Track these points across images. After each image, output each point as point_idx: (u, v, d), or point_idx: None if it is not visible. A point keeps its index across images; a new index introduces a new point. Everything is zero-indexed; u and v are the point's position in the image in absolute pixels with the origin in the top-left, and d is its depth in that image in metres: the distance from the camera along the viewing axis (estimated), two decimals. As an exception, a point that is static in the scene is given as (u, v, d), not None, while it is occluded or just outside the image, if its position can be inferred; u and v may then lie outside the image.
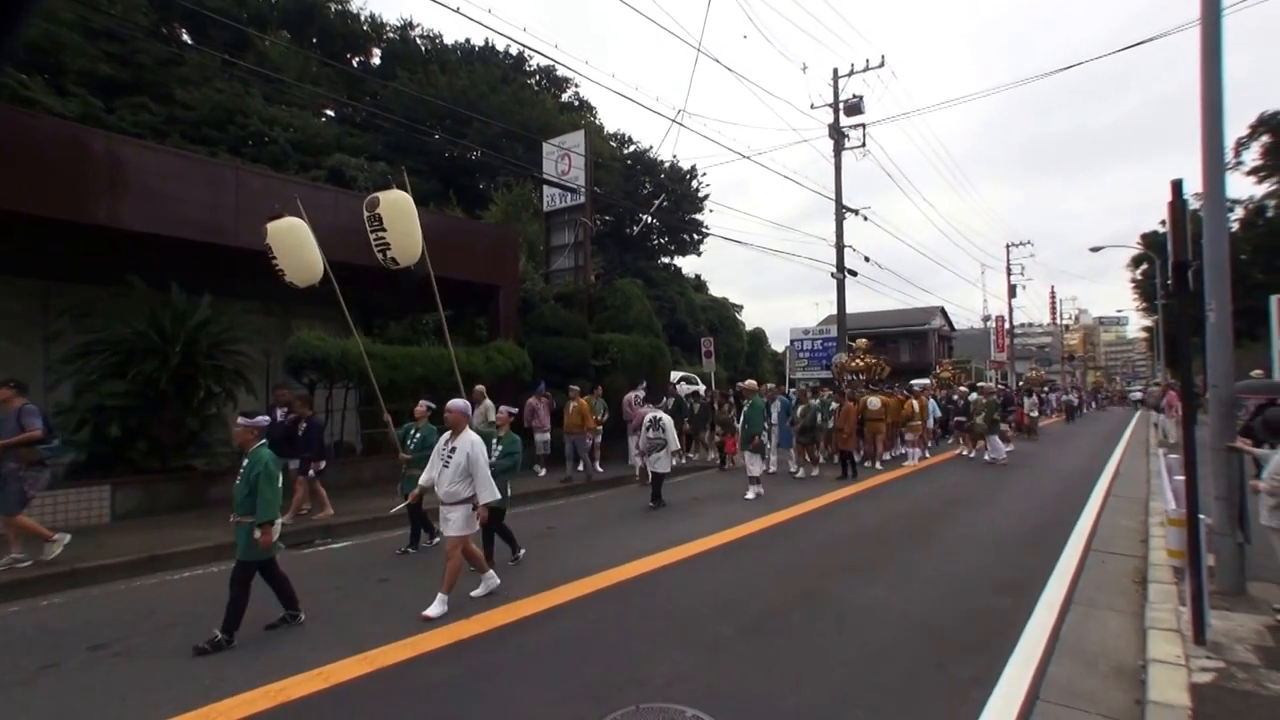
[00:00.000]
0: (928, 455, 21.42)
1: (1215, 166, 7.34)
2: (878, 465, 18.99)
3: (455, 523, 7.16)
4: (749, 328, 49.82)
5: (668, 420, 13.29)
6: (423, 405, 10.33)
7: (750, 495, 13.62)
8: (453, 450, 7.29)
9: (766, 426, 15.68)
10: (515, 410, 9.52)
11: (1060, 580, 7.96)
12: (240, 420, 6.53)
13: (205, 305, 12.54)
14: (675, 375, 22.08)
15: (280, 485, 6.43)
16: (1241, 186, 45.03)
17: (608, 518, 12.07)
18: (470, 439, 7.32)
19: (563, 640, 6.20)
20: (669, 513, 12.35)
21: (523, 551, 9.05)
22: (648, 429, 13.26)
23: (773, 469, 17.13)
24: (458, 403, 7.52)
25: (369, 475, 14.34)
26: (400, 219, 9.41)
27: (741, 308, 52.83)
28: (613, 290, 23.35)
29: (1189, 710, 4.48)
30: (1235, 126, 44.31)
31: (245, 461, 6.44)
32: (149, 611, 7.16)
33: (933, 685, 5.23)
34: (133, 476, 11.61)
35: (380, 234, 9.44)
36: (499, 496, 7.75)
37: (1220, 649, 5.56)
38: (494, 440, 8.89)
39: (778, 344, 50.34)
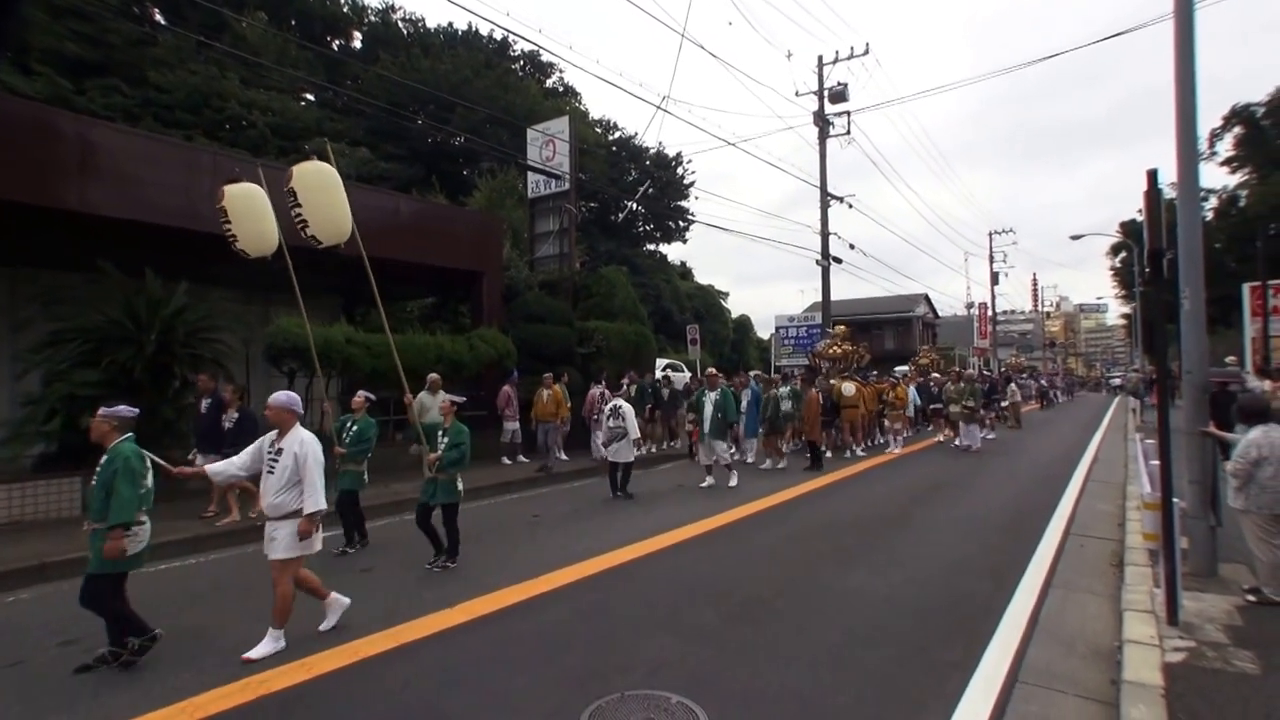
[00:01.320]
0: (904, 443, 20.96)
1: (1189, 157, 7.43)
2: (859, 452, 18.73)
3: (282, 542, 5.89)
4: (735, 315, 49.87)
5: (628, 409, 13.04)
6: (360, 396, 9.85)
7: (733, 482, 13.59)
8: (278, 452, 6.01)
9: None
10: (460, 400, 8.89)
11: (1039, 564, 8.05)
12: (100, 412, 5.87)
13: (181, 292, 12.41)
14: (661, 362, 22.06)
15: (149, 485, 5.75)
16: (1215, 177, 45.44)
17: (591, 506, 12.11)
18: (300, 437, 6.06)
19: (547, 628, 6.22)
20: (650, 501, 12.36)
21: (452, 565, 8.20)
22: (608, 418, 12.98)
23: (750, 458, 17.11)
24: (279, 397, 6.22)
25: (349, 463, 14.32)
26: (318, 193, 8.65)
27: (727, 295, 52.87)
28: (598, 277, 23.32)
29: (1162, 689, 4.56)
30: (1209, 118, 44.69)
31: (103, 458, 5.68)
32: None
33: (915, 668, 5.29)
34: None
35: (297, 209, 8.69)
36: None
37: (1192, 629, 5.67)
38: (440, 432, 8.38)
39: (763, 331, 50.42)
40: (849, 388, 18.82)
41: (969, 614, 6.44)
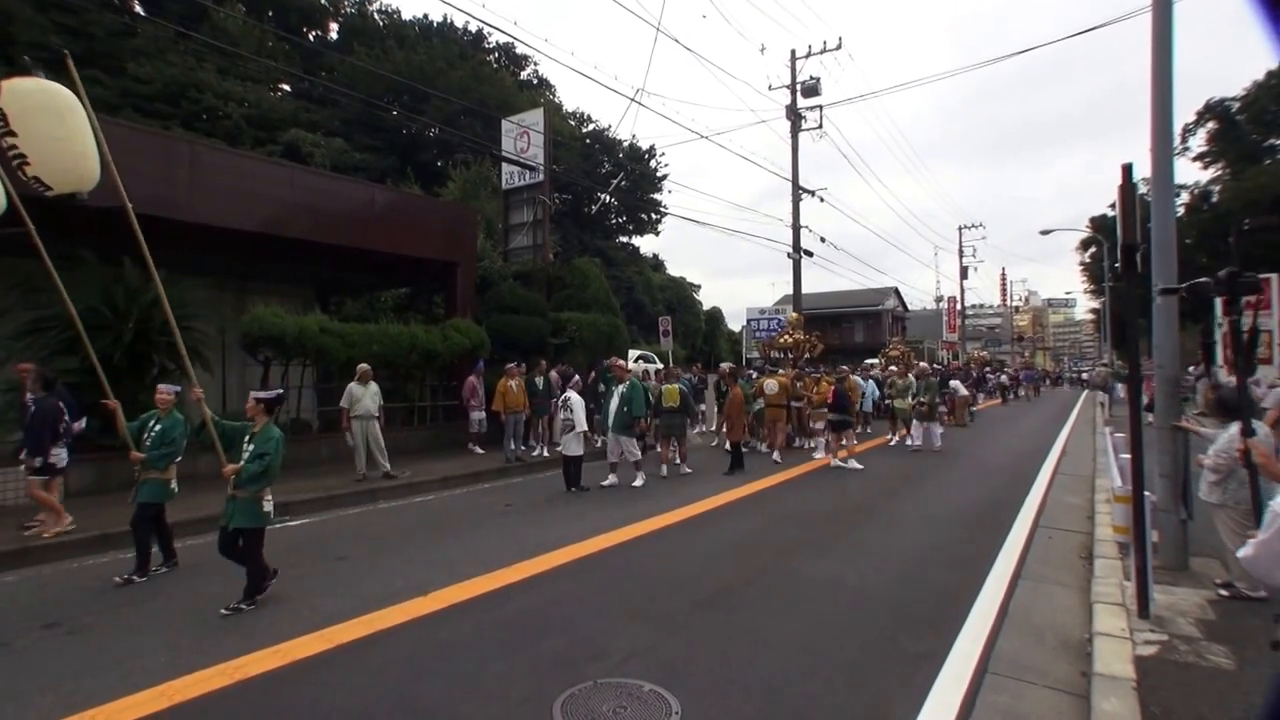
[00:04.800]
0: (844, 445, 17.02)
1: (1164, 152, 7.48)
2: (775, 456, 16.11)
3: None
4: (706, 307, 50.06)
5: (577, 400, 12.60)
6: (165, 391, 8.04)
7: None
8: None
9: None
10: (271, 395, 7.24)
11: (1008, 556, 8.13)
12: None
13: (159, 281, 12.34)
14: (633, 354, 22.04)
15: None
16: (1188, 172, 45.83)
17: (563, 496, 12.08)
18: None
19: (520, 616, 6.23)
20: (621, 493, 12.32)
21: (246, 608, 6.47)
22: (559, 410, 12.64)
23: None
24: None
25: (326, 452, 14.26)
26: (42, 118, 6.64)
27: (699, 287, 53.14)
28: (571, 269, 23.35)
29: (1133, 682, 4.59)
30: (1183, 113, 45.09)
31: None
32: (102, 590, 7.08)
33: (885, 658, 5.34)
34: (85, 454, 11.42)
35: (10, 140, 6.56)
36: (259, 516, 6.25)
37: (1163, 622, 5.71)
38: (246, 438, 6.88)
39: (735, 323, 50.64)
40: (771, 384, 16.76)
41: (938, 605, 6.51)
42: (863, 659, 5.32)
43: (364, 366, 13.21)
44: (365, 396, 12.81)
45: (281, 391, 7.79)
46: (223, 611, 6.30)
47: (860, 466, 14.50)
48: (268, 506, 6.80)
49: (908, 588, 7.04)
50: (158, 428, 7.80)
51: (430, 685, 4.90)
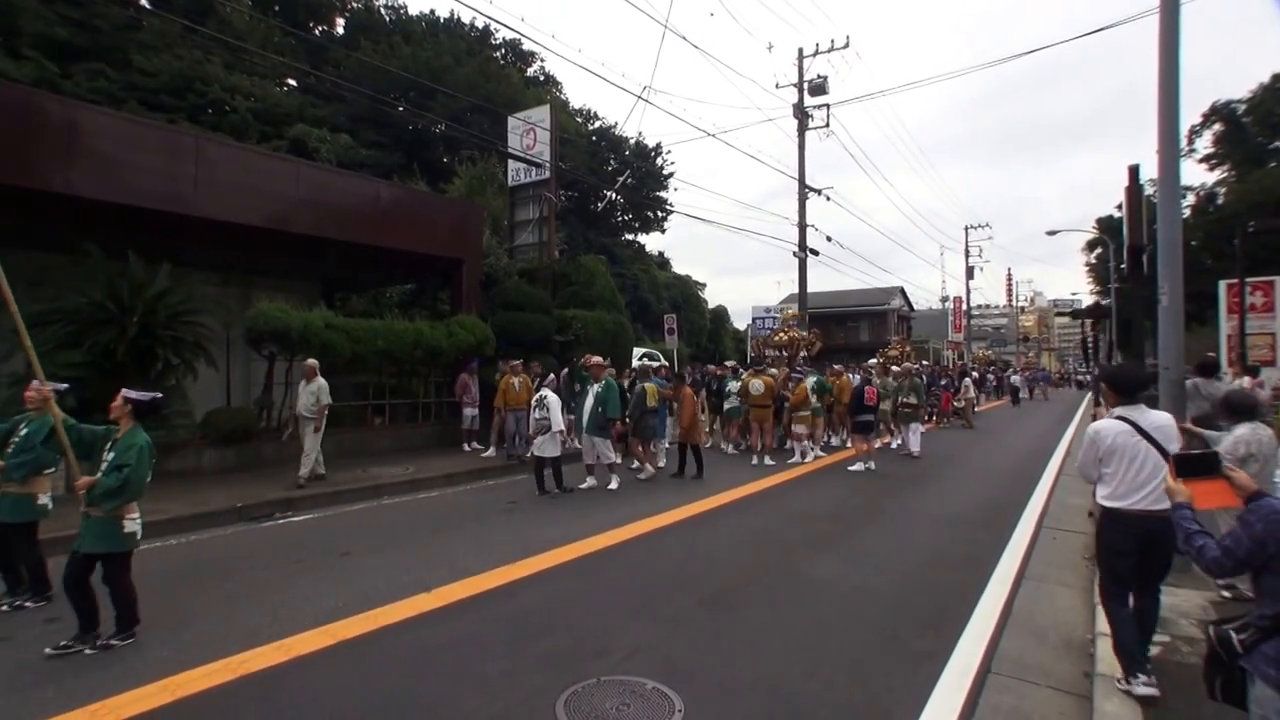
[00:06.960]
0: (821, 453, 16.66)
1: (1170, 154, 7.45)
2: (767, 460, 15.40)
3: None
4: (712, 305, 50.01)
5: (553, 399, 12.17)
6: (39, 387, 6.35)
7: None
8: None
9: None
10: (144, 398, 5.88)
11: (1012, 557, 8.13)
12: None
13: (164, 275, 12.38)
14: (637, 352, 21.99)
15: None
16: (1193, 174, 45.72)
17: (566, 494, 12.05)
18: None
19: (523, 613, 6.23)
20: (623, 491, 12.29)
21: (118, 643, 5.54)
22: (534, 409, 12.37)
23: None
24: None
25: (330, 448, 14.23)
26: None
27: (704, 285, 53.08)
28: (576, 266, 23.32)
29: (1135, 682, 4.59)
30: (1189, 115, 44.99)
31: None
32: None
33: (888, 657, 5.34)
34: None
35: None
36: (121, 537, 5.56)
37: (1166, 624, 5.68)
38: (107, 445, 5.79)
39: (740, 321, 50.62)
40: (757, 384, 15.99)
41: (941, 604, 6.51)
42: (865, 658, 5.32)
43: (309, 363, 12.65)
44: (303, 394, 12.41)
45: (159, 395, 6.25)
46: (48, 651, 5.34)
47: (874, 467, 14.41)
48: (131, 526, 5.69)
49: (911, 587, 7.04)
50: (25, 431, 6.57)
51: (433, 682, 4.91)
